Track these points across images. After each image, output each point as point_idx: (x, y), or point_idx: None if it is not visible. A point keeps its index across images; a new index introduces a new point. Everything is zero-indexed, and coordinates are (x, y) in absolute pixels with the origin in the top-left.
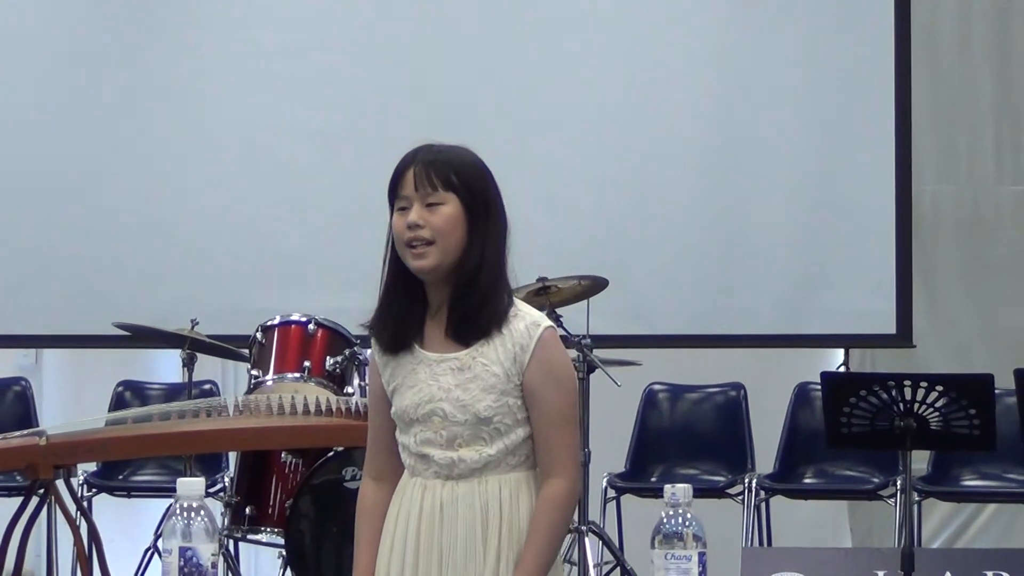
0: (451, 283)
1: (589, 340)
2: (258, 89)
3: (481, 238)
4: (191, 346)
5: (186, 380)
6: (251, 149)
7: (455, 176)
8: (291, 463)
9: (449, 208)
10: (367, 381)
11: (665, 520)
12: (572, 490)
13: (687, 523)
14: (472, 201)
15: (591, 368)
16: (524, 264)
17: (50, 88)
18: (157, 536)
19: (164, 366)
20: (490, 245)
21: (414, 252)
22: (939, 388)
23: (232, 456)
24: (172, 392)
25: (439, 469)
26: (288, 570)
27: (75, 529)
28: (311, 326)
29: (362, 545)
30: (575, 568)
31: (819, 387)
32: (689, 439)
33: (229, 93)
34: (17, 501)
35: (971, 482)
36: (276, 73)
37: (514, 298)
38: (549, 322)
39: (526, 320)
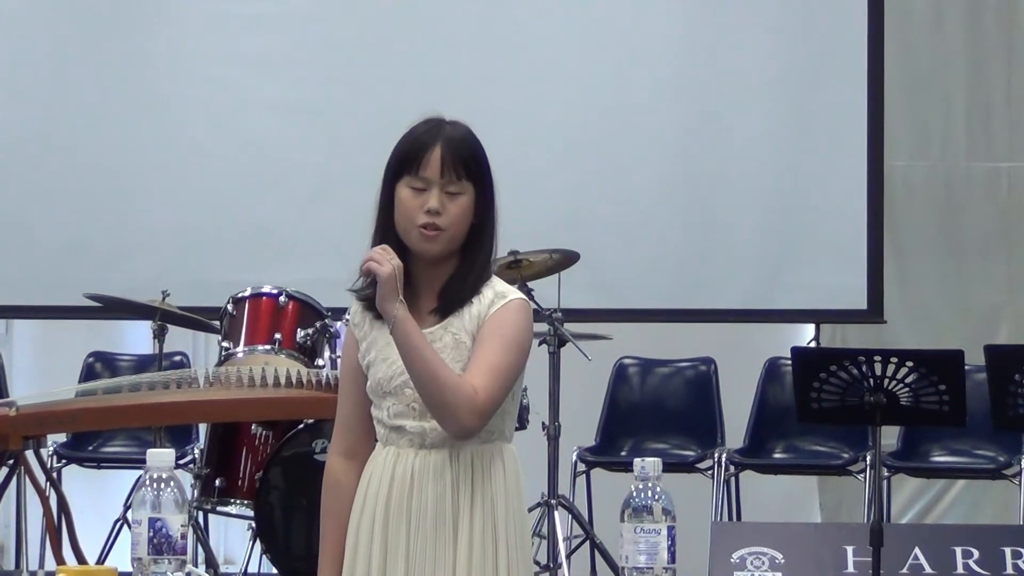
0: (449, 265)
1: (560, 314)
2: (227, 63)
3: (483, 223)
4: (162, 317)
5: (157, 352)
6: (222, 123)
7: (475, 164)
8: (261, 435)
9: (466, 199)
10: (341, 356)
11: (635, 494)
12: (477, 407)
13: (656, 497)
14: (483, 189)
15: (562, 342)
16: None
17: (18, 65)
18: (127, 507)
19: (135, 337)
20: (488, 231)
21: (426, 235)
22: (909, 364)
23: (202, 428)
24: (142, 363)
25: (412, 438)
26: (257, 542)
27: (44, 500)
28: (282, 298)
29: (329, 525)
30: (544, 542)
31: (789, 362)
32: (659, 413)
33: (198, 67)
34: None
35: (940, 458)
36: (245, 47)
37: (491, 273)
38: (519, 295)
39: (495, 290)
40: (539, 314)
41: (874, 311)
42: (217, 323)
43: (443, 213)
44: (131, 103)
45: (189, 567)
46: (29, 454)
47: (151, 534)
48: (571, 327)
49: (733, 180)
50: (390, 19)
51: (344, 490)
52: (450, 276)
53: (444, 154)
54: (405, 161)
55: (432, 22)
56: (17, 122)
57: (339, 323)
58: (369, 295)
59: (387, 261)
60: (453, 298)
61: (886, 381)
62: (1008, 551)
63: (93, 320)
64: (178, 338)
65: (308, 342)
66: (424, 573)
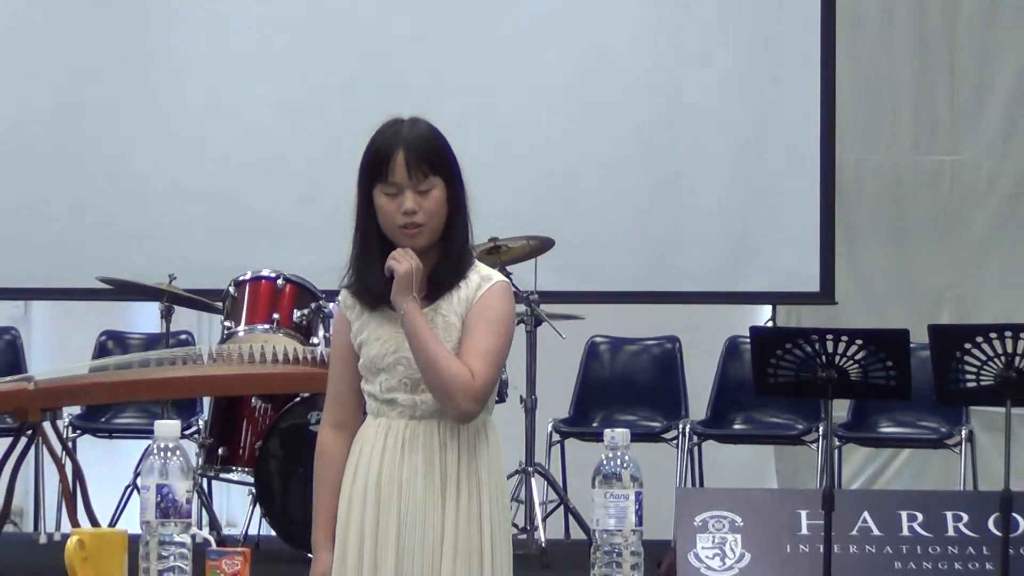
0: (434, 253)
1: (536, 296)
2: (232, 62)
3: (457, 211)
4: (169, 299)
5: (164, 331)
6: (226, 119)
7: (437, 157)
8: (260, 408)
9: (437, 192)
10: (332, 336)
11: (605, 462)
12: (474, 391)
13: (625, 464)
14: (451, 178)
15: (538, 321)
16: (477, 225)
17: (37, 57)
18: (136, 474)
19: (144, 317)
20: (462, 215)
21: (408, 233)
22: (859, 342)
23: (206, 401)
24: (151, 342)
25: (403, 410)
26: (257, 506)
27: (60, 468)
28: (280, 281)
29: (323, 492)
30: (522, 506)
31: (748, 340)
32: (628, 388)
33: (205, 66)
34: (6, 442)
35: (887, 429)
36: (248, 48)
37: (474, 258)
38: (502, 278)
39: (480, 274)
40: (517, 296)
41: (826, 293)
42: (220, 304)
43: (419, 210)
44: (143, 101)
45: (194, 529)
46: (46, 425)
47: (159, 499)
48: (547, 308)
49: (697, 173)
50: (382, 22)
51: (335, 460)
52: (435, 264)
53: (407, 157)
54: (374, 172)
55: (422, 28)
56: (36, 117)
57: (332, 304)
58: (356, 287)
59: (406, 260)
60: (440, 283)
61: (837, 358)
62: (949, 515)
63: (105, 301)
64: (184, 318)
65: (304, 322)
66: (415, 535)
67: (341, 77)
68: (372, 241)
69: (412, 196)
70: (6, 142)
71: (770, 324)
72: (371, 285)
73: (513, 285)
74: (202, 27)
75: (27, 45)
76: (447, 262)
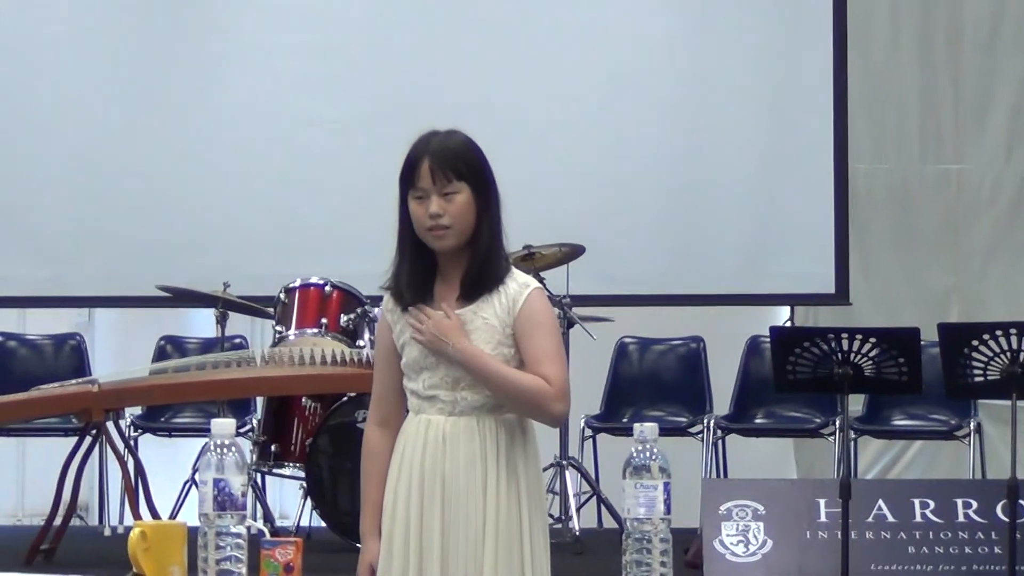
0: (465, 255)
1: (568, 299)
2: (284, 84)
3: (487, 215)
4: (224, 305)
5: (219, 335)
6: (278, 138)
7: (464, 166)
8: (310, 407)
9: (463, 196)
10: (375, 338)
11: (635, 454)
12: (557, 394)
13: (654, 457)
14: (479, 184)
15: (570, 324)
16: (512, 233)
17: (101, 78)
18: (194, 470)
19: (200, 323)
20: (494, 220)
21: (435, 235)
22: (872, 340)
23: (259, 401)
24: (207, 346)
25: (443, 406)
26: (308, 499)
27: (123, 465)
28: (327, 288)
29: (369, 484)
30: (557, 497)
31: (768, 340)
32: (655, 385)
33: (260, 87)
34: (73, 441)
35: (900, 422)
36: (299, 70)
37: (511, 265)
38: (538, 284)
39: (518, 281)
40: (550, 300)
41: (841, 295)
42: (271, 310)
43: (444, 213)
44: (200, 122)
45: (249, 521)
46: (109, 425)
47: (216, 493)
48: (578, 311)
49: (719, 183)
50: (426, 46)
51: (380, 456)
52: (467, 266)
53: (431, 164)
54: (405, 180)
55: (461, 47)
56: (100, 137)
57: (377, 309)
58: (393, 289)
59: (424, 328)
60: (473, 284)
61: (852, 355)
62: (960, 502)
63: (164, 308)
64: (238, 323)
65: (350, 326)
66: (458, 526)
67: (385, 97)
68: (408, 246)
69: (437, 200)
70: (73, 162)
71: (788, 324)
72: (406, 286)
73: (546, 289)
74: (256, 50)
75: (91, 67)
76: (478, 263)
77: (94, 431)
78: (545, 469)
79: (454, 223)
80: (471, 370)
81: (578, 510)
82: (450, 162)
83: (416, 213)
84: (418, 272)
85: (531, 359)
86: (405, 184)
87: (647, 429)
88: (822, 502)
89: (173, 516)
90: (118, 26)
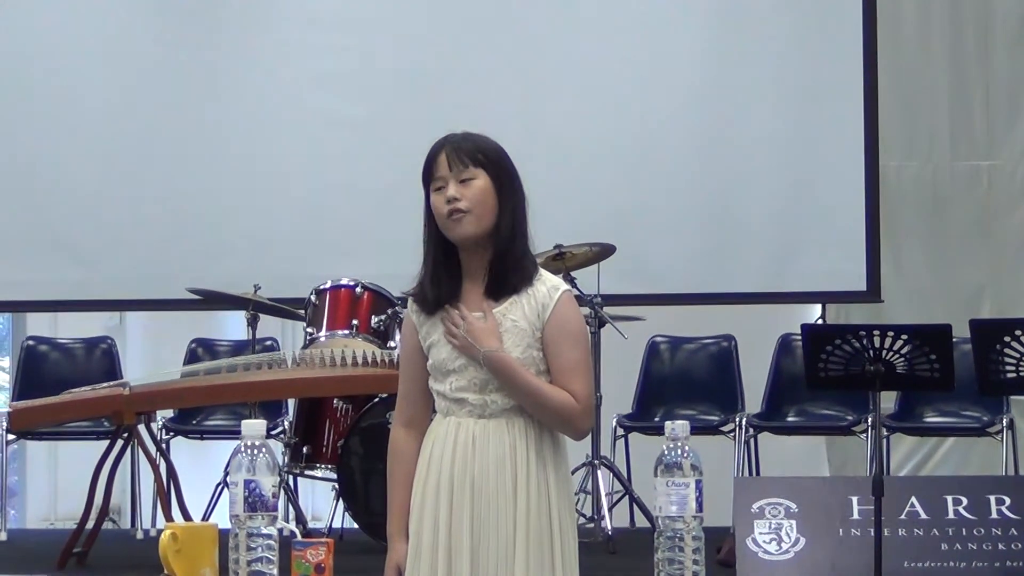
0: (488, 249)
1: (599, 299)
2: (314, 88)
3: (509, 207)
4: (254, 308)
5: (250, 337)
6: (306, 137)
7: (481, 155)
8: (342, 408)
9: (480, 182)
10: (401, 339)
11: (667, 452)
12: (583, 411)
13: (686, 455)
14: (499, 174)
15: (601, 323)
16: (542, 233)
17: (130, 83)
18: (226, 472)
19: (231, 325)
20: (518, 215)
21: (454, 220)
22: (904, 337)
23: (291, 403)
24: (238, 348)
25: (472, 409)
26: (340, 501)
27: (155, 468)
28: (358, 289)
29: (396, 486)
30: (589, 497)
31: (800, 337)
32: (687, 384)
33: (289, 92)
34: (104, 444)
35: (932, 419)
36: (328, 74)
37: (538, 264)
38: (567, 286)
39: (547, 284)
40: (581, 299)
41: (873, 292)
42: (302, 312)
43: (461, 198)
44: (229, 127)
45: (280, 522)
46: (141, 428)
47: (247, 494)
48: (609, 310)
49: (750, 181)
50: (446, 46)
51: (407, 457)
52: (491, 257)
53: (448, 153)
54: (426, 174)
55: (484, 46)
56: (130, 143)
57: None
58: (418, 294)
59: (456, 332)
60: (498, 279)
61: (884, 352)
62: (992, 498)
63: (195, 311)
64: (269, 326)
65: (381, 327)
66: (489, 527)
67: (413, 97)
68: (432, 246)
69: (454, 184)
70: (103, 167)
71: (820, 322)
72: (432, 288)
73: (577, 289)
74: (285, 51)
75: (123, 73)
76: (501, 255)
77: (126, 434)
78: (577, 469)
79: (472, 208)
80: (499, 377)
81: (610, 509)
82: (467, 150)
83: (436, 203)
84: (443, 272)
85: (558, 370)
86: (426, 180)
87: (678, 427)
88: (855, 499)
89: (205, 519)
90: (147, 30)
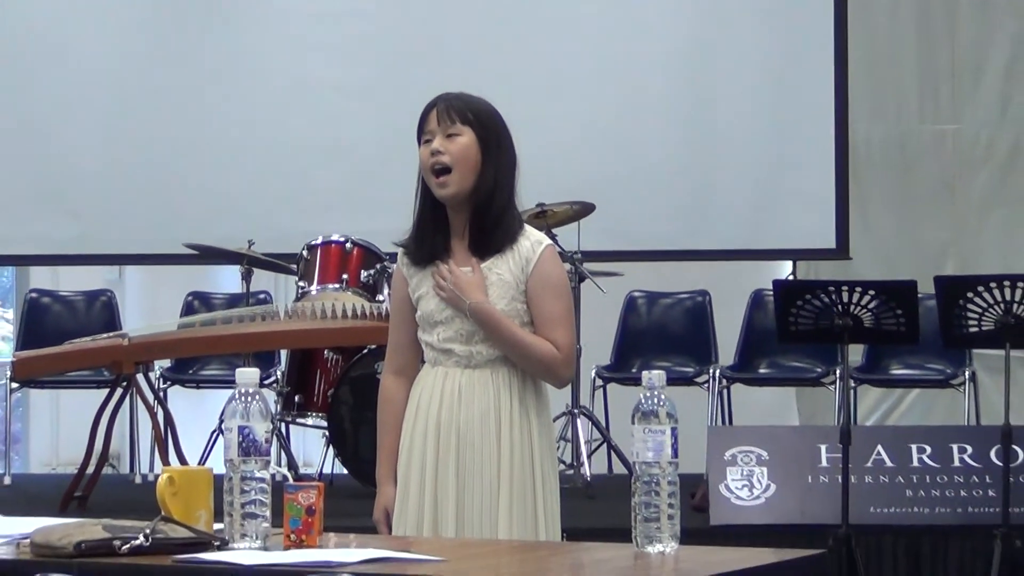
0: (471, 206)
1: (580, 255)
2: (306, 51)
3: (493, 166)
4: (248, 263)
5: (244, 291)
6: (299, 102)
7: (471, 113)
8: (332, 359)
9: (465, 139)
10: (391, 291)
11: (643, 401)
12: (564, 360)
13: (662, 403)
14: (485, 135)
15: (582, 278)
16: (525, 192)
17: (131, 43)
18: (221, 419)
19: (226, 279)
20: (501, 174)
21: (438, 181)
22: (871, 293)
23: (283, 353)
24: (233, 301)
25: (459, 359)
26: (330, 448)
27: (153, 415)
28: (348, 244)
29: (385, 431)
30: (570, 444)
31: (772, 293)
32: (663, 337)
33: (284, 57)
34: (104, 392)
35: (898, 371)
36: (317, 40)
37: (523, 221)
38: (550, 242)
39: (531, 239)
40: (562, 256)
41: (841, 250)
42: (294, 266)
43: (445, 152)
44: (226, 89)
45: (273, 467)
46: (139, 377)
47: (240, 439)
48: (589, 266)
49: (725, 143)
50: (435, 12)
51: (396, 403)
52: (471, 215)
53: (440, 108)
54: (418, 129)
55: (473, 15)
56: (130, 104)
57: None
58: (410, 246)
59: (444, 285)
60: (481, 235)
61: (852, 307)
62: (955, 447)
63: (191, 266)
64: (262, 280)
65: (370, 281)
66: (474, 474)
67: (400, 63)
68: (422, 200)
69: (440, 139)
70: (103, 126)
71: (791, 278)
72: (421, 241)
73: (558, 245)
74: (281, 19)
75: (122, 34)
76: (483, 214)
77: (125, 383)
78: (557, 418)
79: (455, 164)
80: (484, 328)
81: (589, 456)
82: (456, 107)
83: (422, 156)
84: (431, 227)
85: (541, 321)
86: (419, 134)
87: (655, 376)
88: (823, 448)
89: (201, 464)
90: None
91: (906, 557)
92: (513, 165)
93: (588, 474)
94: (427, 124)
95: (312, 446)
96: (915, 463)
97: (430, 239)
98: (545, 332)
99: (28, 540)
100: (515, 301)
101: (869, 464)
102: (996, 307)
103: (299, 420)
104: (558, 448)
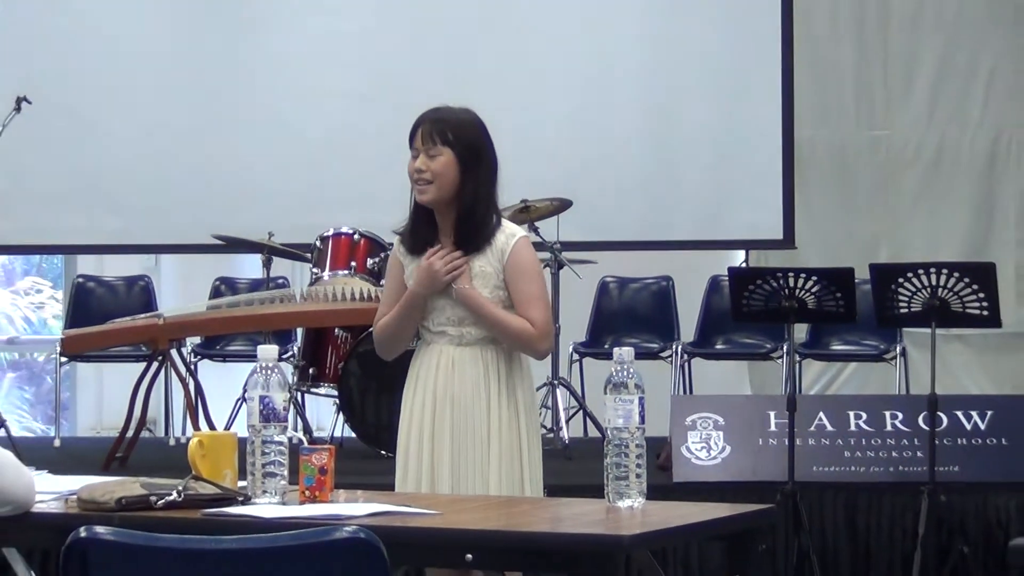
0: (454, 212)
1: (559, 245)
2: (321, 62)
3: (473, 180)
4: (269, 252)
5: (265, 277)
6: (314, 107)
7: (451, 134)
8: (342, 336)
9: (445, 158)
10: (387, 274)
11: (614, 373)
12: (539, 335)
13: (631, 375)
14: (465, 153)
15: (560, 265)
16: (510, 189)
17: (168, 51)
18: (245, 389)
19: (249, 266)
20: (482, 184)
21: (419, 188)
22: (814, 278)
23: (299, 331)
24: (255, 285)
25: (451, 339)
26: (341, 414)
27: (185, 386)
28: (356, 236)
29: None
30: (550, 412)
31: (727, 278)
32: (632, 317)
33: (301, 67)
34: (142, 366)
35: (838, 347)
36: (333, 50)
37: (501, 217)
38: (524, 232)
39: (506, 232)
40: (543, 245)
41: (788, 240)
42: (309, 255)
43: (426, 170)
44: (251, 96)
45: (290, 432)
46: (173, 352)
47: (261, 407)
48: (567, 255)
49: (686, 146)
50: (430, 25)
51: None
52: (454, 220)
53: (424, 128)
54: (409, 141)
55: (463, 29)
56: (165, 111)
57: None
58: (404, 235)
59: (434, 277)
60: (463, 238)
61: (797, 291)
62: (887, 414)
63: (219, 254)
64: (281, 267)
65: (375, 267)
66: (466, 438)
67: (400, 72)
68: (415, 203)
69: (422, 158)
70: (142, 131)
71: (744, 265)
72: (414, 234)
73: (540, 236)
74: (301, 34)
75: (157, 42)
76: (463, 219)
77: (160, 357)
78: (539, 388)
79: (434, 180)
80: (469, 309)
81: (567, 422)
82: (439, 129)
83: (408, 167)
84: (421, 224)
85: (518, 302)
86: (410, 145)
87: (625, 352)
88: (772, 414)
89: (227, 428)
90: (181, 4)
91: (844, 510)
92: (494, 173)
93: (567, 438)
94: (414, 140)
95: (324, 413)
96: (852, 428)
97: (422, 233)
98: (522, 311)
99: (75, 496)
100: (497, 289)
101: (812, 428)
102: (924, 291)
103: (313, 390)
104: (540, 415)
